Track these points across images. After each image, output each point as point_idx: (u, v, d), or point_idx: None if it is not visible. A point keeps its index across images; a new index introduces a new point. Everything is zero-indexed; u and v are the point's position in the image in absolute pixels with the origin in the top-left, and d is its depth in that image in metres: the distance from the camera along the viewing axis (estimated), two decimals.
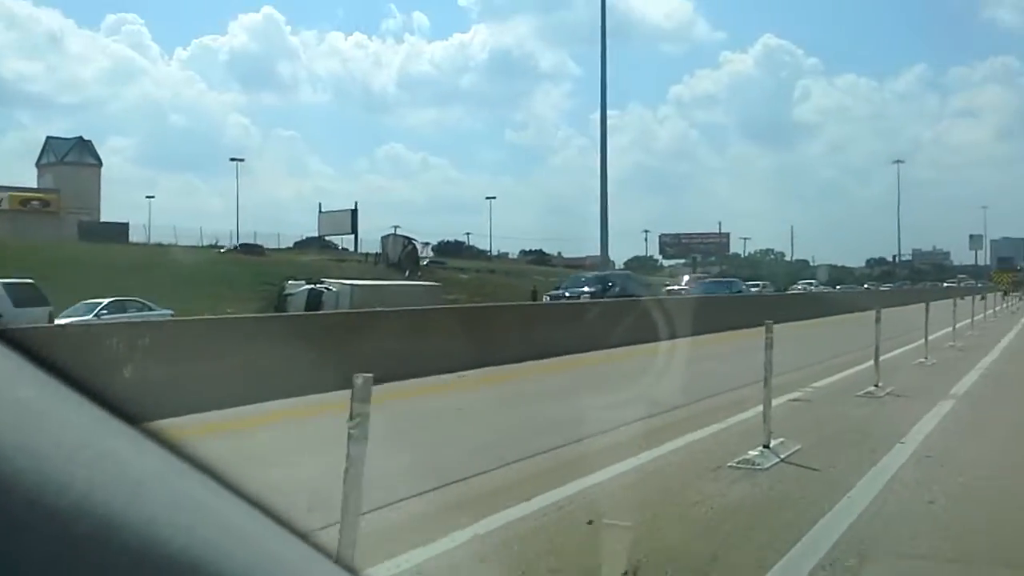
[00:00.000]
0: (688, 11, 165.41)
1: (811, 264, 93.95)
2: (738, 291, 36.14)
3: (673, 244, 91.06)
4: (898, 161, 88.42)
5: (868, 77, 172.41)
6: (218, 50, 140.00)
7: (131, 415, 0.71)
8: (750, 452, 5.77)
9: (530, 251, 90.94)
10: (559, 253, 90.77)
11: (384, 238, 47.06)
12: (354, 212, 55.09)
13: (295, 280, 25.65)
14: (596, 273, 34.84)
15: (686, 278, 49.42)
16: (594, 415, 7.05)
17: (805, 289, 55.31)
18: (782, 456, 5.77)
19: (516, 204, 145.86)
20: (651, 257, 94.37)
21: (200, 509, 0.71)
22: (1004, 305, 33.18)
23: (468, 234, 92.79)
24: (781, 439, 6.09)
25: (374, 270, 44.51)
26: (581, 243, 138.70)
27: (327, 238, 62.04)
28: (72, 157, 64.88)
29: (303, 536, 0.83)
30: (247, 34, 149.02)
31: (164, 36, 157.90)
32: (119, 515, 0.60)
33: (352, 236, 57.71)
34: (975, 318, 20.16)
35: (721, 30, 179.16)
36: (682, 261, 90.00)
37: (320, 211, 61.09)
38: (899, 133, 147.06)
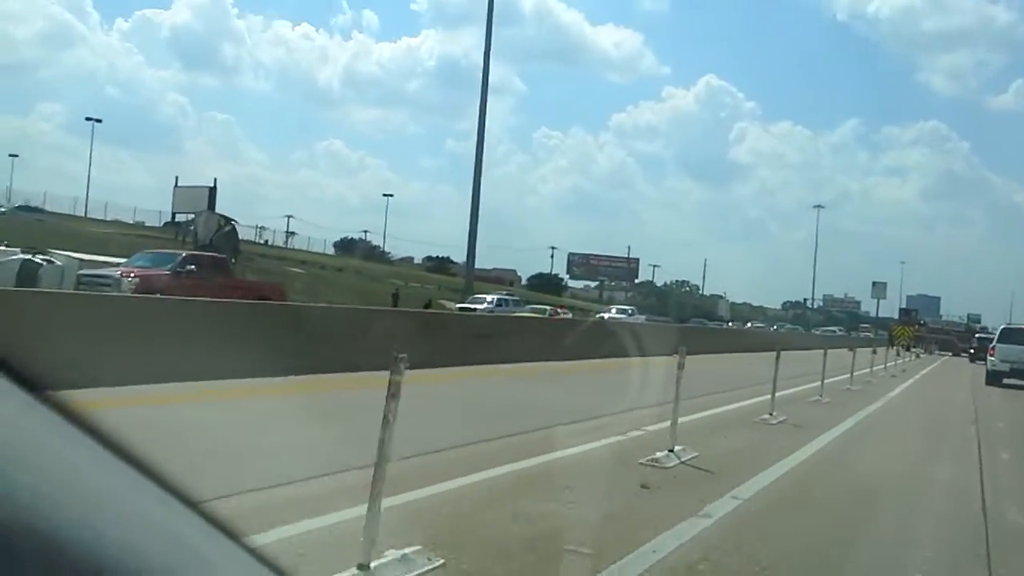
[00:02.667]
0: (638, 43, 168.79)
1: (726, 300, 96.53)
2: None
3: (581, 264, 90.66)
4: (818, 206, 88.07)
5: (803, 126, 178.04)
6: (160, 25, 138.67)
7: None
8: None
9: (435, 258, 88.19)
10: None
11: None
12: (212, 189, 46.10)
13: (6, 247, 21.83)
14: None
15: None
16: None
17: (700, 325, 56.90)
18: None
19: (452, 213, 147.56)
20: (556, 275, 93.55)
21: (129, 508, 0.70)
22: (895, 361, 30.08)
23: (365, 231, 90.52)
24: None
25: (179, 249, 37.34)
26: (512, 255, 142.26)
27: (179, 216, 50.41)
28: None
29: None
30: (191, 11, 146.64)
31: (105, 4, 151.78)
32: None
33: None
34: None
35: (667, 65, 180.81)
36: (592, 284, 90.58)
37: (176, 184, 51.95)
38: (828, 183, 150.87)
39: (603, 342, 17.83)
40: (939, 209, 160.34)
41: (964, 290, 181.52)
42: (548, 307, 39.95)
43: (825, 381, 14.61)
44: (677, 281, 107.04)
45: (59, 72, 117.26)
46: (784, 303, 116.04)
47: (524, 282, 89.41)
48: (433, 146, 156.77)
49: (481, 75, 37.23)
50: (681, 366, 7.70)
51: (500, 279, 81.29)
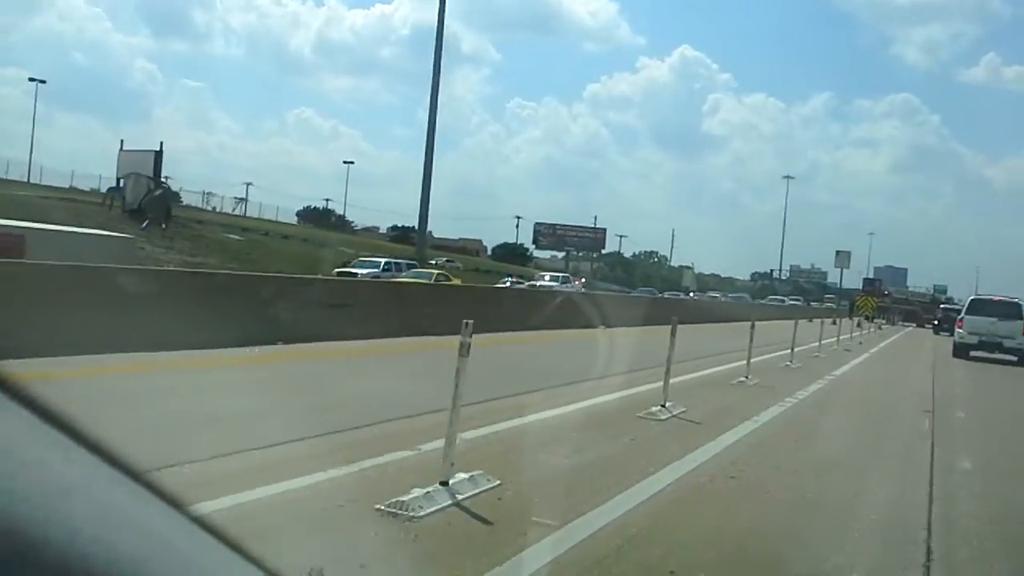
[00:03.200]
0: (613, 12, 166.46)
1: (692, 270, 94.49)
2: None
3: (548, 235, 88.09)
4: (787, 177, 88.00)
5: (777, 98, 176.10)
6: None
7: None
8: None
9: (399, 227, 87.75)
10: (431, 233, 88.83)
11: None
12: (158, 153, 40.12)
13: None
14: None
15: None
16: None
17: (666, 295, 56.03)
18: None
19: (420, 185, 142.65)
20: (521, 245, 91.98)
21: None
22: (853, 334, 27.81)
23: (327, 200, 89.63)
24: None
25: (106, 215, 34.50)
26: (482, 224, 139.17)
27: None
28: None
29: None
30: None
31: None
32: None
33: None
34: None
35: (642, 35, 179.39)
36: (560, 254, 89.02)
37: (121, 148, 44.94)
38: (800, 155, 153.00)
39: (511, 310, 16.88)
40: (908, 181, 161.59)
41: (931, 262, 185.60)
42: (436, 271, 33.66)
43: (762, 357, 13.08)
44: (646, 252, 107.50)
45: (25, 37, 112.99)
46: (753, 274, 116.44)
47: (489, 252, 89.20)
48: (407, 115, 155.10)
49: (442, 44, 36.89)
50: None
51: (464, 248, 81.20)
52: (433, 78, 37.69)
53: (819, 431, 8.71)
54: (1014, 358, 22.59)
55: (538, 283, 44.50)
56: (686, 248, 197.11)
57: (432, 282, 28.24)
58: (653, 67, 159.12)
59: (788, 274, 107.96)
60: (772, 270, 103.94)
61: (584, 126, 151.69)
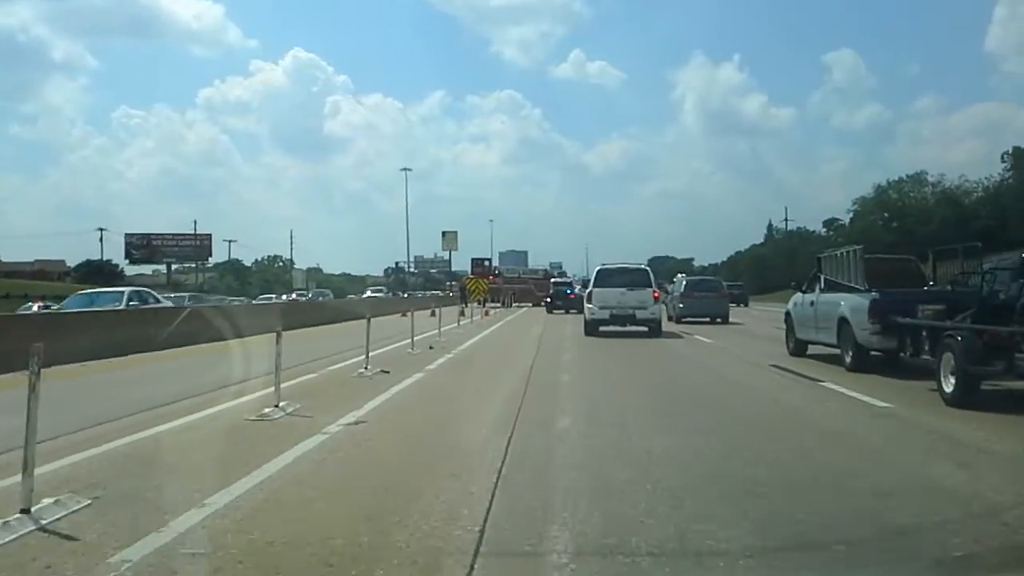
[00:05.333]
0: (219, 15, 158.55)
1: (322, 272, 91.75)
2: None
3: (141, 246, 75.83)
4: (406, 169, 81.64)
5: (394, 98, 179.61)
6: None
7: None
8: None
9: None
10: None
11: None
12: None
13: None
14: None
15: None
16: None
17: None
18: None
19: (24, 206, 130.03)
20: (108, 261, 78.17)
21: None
22: (440, 330, 20.44)
23: None
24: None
25: None
26: (60, 240, 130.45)
27: None
28: None
29: None
30: None
31: None
32: None
33: None
34: None
35: (253, 38, 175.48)
36: (162, 268, 77.32)
37: None
38: (422, 152, 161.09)
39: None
40: (520, 171, 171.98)
41: (548, 244, 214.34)
42: None
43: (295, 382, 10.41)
44: (269, 257, 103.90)
45: None
46: (386, 269, 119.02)
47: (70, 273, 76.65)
48: None
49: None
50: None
51: (43, 272, 70.99)
52: None
53: None
54: (645, 329, 20.58)
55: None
56: (321, 249, 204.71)
57: None
58: (268, 70, 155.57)
59: (414, 266, 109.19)
60: (397, 262, 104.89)
61: (201, 134, 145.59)
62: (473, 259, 68.82)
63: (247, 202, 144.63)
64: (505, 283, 59.66)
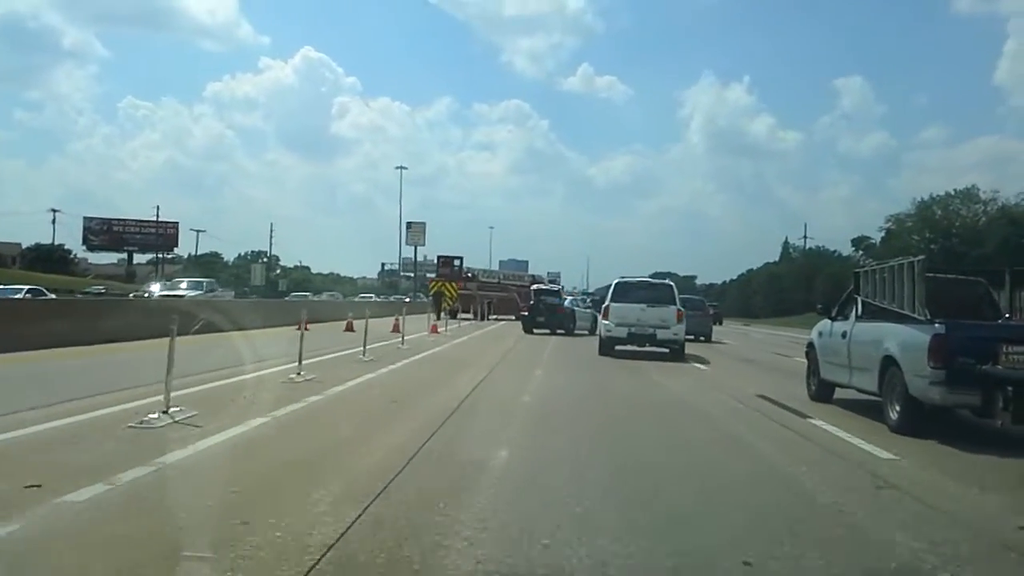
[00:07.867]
0: (232, 10, 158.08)
1: (262, 266, 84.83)
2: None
3: (100, 232, 70.64)
4: (400, 167, 79.36)
5: (402, 103, 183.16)
6: None
7: None
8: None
9: None
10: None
11: None
12: None
13: None
14: None
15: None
16: None
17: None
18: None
19: (26, 193, 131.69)
20: (61, 247, 73.56)
21: None
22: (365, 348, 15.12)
23: None
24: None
25: None
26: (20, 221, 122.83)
27: None
28: None
29: None
30: None
31: None
32: None
33: None
34: None
35: (265, 35, 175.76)
36: (123, 256, 72.30)
37: None
38: (427, 157, 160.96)
39: None
40: (524, 181, 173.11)
41: (548, 254, 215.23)
42: None
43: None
44: (254, 252, 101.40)
45: None
46: (380, 272, 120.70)
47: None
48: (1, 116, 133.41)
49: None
50: None
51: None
52: None
53: None
54: (666, 351, 18.41)
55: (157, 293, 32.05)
56: (321, 250, 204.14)
57: None
58: (277, 68, 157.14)
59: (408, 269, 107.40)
60: (384, 264, 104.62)
61: (208, 128, 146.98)
62: (439, 257, 54.65)
63: (250, 199, 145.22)
64: (480, 289, 48.60)
